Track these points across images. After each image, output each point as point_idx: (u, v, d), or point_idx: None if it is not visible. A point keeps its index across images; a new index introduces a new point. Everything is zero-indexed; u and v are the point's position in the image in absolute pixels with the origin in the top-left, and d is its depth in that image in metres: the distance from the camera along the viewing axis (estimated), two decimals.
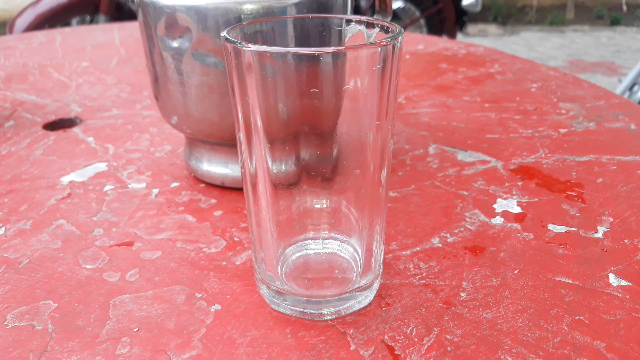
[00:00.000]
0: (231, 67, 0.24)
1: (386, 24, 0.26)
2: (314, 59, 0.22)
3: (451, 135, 0.50)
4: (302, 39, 0.28)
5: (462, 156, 0.46)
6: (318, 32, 0.28)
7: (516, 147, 0.48)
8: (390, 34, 0.25)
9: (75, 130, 0.54)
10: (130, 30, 1.01)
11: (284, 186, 0.26)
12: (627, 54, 3.63)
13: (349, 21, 0.28)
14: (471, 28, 4.45)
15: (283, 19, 0.28)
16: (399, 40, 0.23)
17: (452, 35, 2.62)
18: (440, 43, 0.87)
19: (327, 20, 0.28)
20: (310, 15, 0.28)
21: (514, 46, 3.88)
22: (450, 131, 0.51)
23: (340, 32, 0.28)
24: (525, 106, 0.57)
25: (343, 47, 0.22)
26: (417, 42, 0.88)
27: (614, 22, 4.55)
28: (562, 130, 0.51)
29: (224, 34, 0.24)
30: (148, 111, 0.59)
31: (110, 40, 0.93)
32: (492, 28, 4.53)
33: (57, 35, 0.97)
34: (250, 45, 0.22)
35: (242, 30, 0.26)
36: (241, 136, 0.26)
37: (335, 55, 0.22)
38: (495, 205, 0.38)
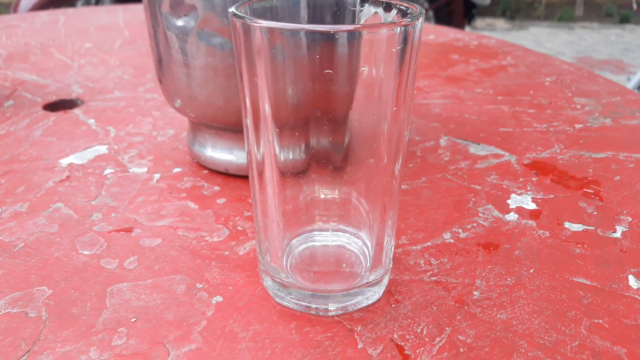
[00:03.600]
0: (239, 46, 0.22)
1: (405, 5, 0.24)
2: (329, 37, 0.20)
3: (463, 127, 0.49)
4: (315, 19, 0.27)
5: (474, 149, 0.44)
6: (332, 12, 0.27)
7: (530, 141, 0.46)
8: (409, 16, 0.23)
9: (76, 111, 0.52)
10: (135, 13, 0.99)
11: (291, 174, 0.24)
12: (636, 53, 3.60)
13: (364, 1, 0.26)
14: (479, 22, 4.42)
15: None
16: (421, 21, 0.22)
17: (460, 29, 2.60)
18: (451, 34, 0.85)
19: (341, 0, 0.26)
20: None
21: (522, 41, 3.85)
22: (462, 123, 0.50)
23: (354, 12, 0.26)
24: (539, 100, 0.56)
25: (361, 25, 0.20)
26: (428, 32, 0.86)
27: (624, 20, 4.51)
28: (578, 126, 0.49)
29: (232, 9, 0.23)
30: (151, 94, 0.57)
31: (114, 22, 0.91)
32: (501, 22, 4.49)
33: (60, 15, 0.95)
34: (260, 21, 0.21)
35: (252, 7, 0.25)
36: (248, 121, 0.24)
37: (352, 34, 0.20)
38: (509, 201, 0.37)
